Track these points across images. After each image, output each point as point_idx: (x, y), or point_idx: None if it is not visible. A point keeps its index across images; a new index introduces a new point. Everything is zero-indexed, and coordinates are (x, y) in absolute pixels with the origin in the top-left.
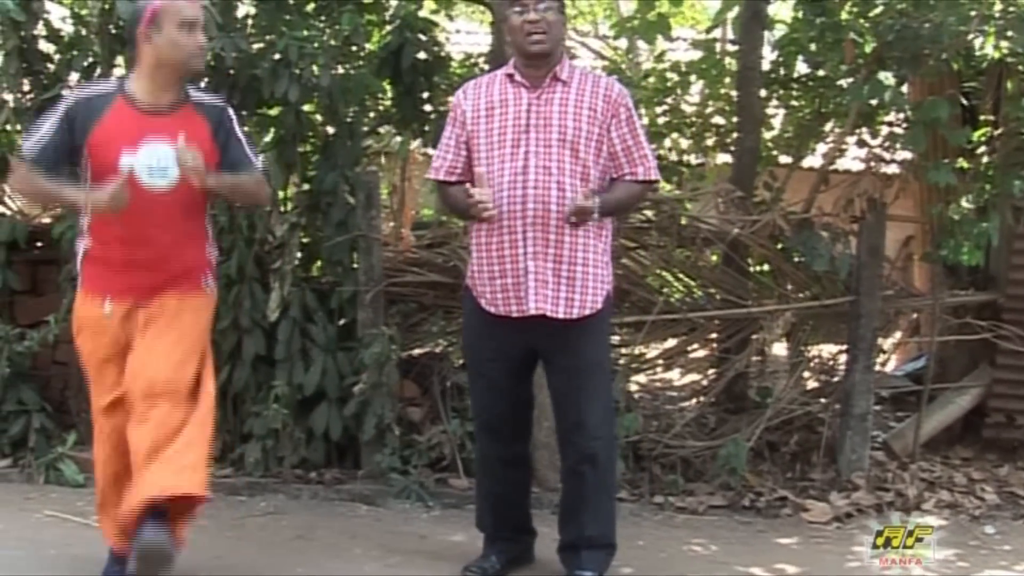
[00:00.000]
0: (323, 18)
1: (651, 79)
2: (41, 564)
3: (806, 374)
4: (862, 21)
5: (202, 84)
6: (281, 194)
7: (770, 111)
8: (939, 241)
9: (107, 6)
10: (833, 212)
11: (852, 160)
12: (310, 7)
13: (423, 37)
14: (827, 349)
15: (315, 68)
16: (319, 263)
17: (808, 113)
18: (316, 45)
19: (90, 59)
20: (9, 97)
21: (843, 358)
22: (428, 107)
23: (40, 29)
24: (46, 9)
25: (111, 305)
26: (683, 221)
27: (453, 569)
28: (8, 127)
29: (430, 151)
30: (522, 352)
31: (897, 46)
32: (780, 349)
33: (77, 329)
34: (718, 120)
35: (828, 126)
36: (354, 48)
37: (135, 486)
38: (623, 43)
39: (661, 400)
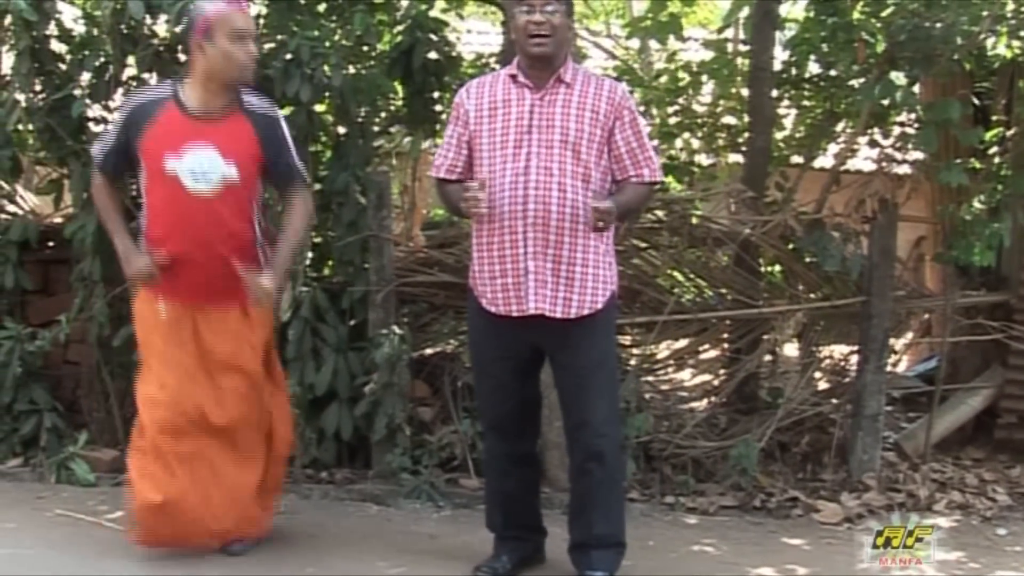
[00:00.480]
0: (335, 18)
1: (663, 79)
2: (52, 563)
3: (817, 374)
4: (874, 21)
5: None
6: None
7: (782, 111)
8: (951, 241)
9: (119, 6)
10: (845, 212)
11: (864, 160)
12: (322, 7)
13: (434, 37)
14: (838, 350)
15: (326, 68)
16: (330, 263)
17: (820, 113)
18: (328, 45)
19: (102, 59)
20: (21, 97)
21: (854, 359)
22: (439, 107)
23: (52, 29)
24: (58, 9)
25: (164, 305)
26: (694, 221)
27: (464, 569)
28: (20, 127)
29: None
30: (527, 351)
31: (909, 46)
32: (791, 350)
33: (136, 321)
34: (729, 120)
35: (840, 126)
36: (365, 48)
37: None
38: (635, 43)
39: (672, 400)
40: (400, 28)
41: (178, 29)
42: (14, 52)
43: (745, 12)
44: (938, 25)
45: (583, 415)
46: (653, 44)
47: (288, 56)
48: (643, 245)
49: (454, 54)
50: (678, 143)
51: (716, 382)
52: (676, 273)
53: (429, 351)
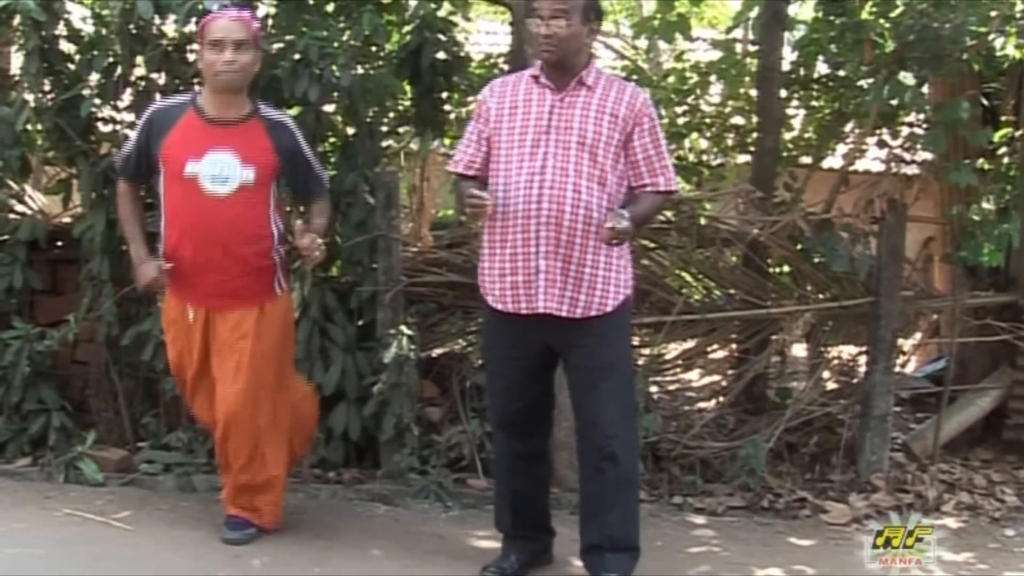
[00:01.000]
0: (343, 18)
1: (671, 79)
2: (60, 563)
3: (826, 375)
4: (882, 21)
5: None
6: None
7: (790, 111)
8: (959, 242)
9: (128, 6)
10: (853, 213)
11: (872, 161)
12: (330, 7)
13: (442, 37)
14: (847, 350)
15: (335, 68)
16: (339, 263)
17: (828, 113)
18: (336, 45)
19: (110, 59)
20: (30, 97)
21: (863, 359)
22: (447, 107)
23: (61, 29)
24: (67, 9)
25: (193, 311)
26: (703, 222)
27: (472, 569)
28: (29, 126)
29: (450, 151)
30: (538, 350)
31: (917, 46)
32: (800, 350)
33: (166, 326)
34: (738, 120)
35: (848, 127)
36: (374, 48)
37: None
38: (643, 43)
39: (680, 401)
40: (408, 28)
41: (187, 29)
42: (23, 52)
43: (754, 12)
44: (947, 25)
45: (592, 416)
46: (662, 44)
47: (297, 56)
48: (652, 245)
49: (462, 54)
50: (686, 143)
51: (724, 382)
52: (684, 273)
53: (437, 351)
